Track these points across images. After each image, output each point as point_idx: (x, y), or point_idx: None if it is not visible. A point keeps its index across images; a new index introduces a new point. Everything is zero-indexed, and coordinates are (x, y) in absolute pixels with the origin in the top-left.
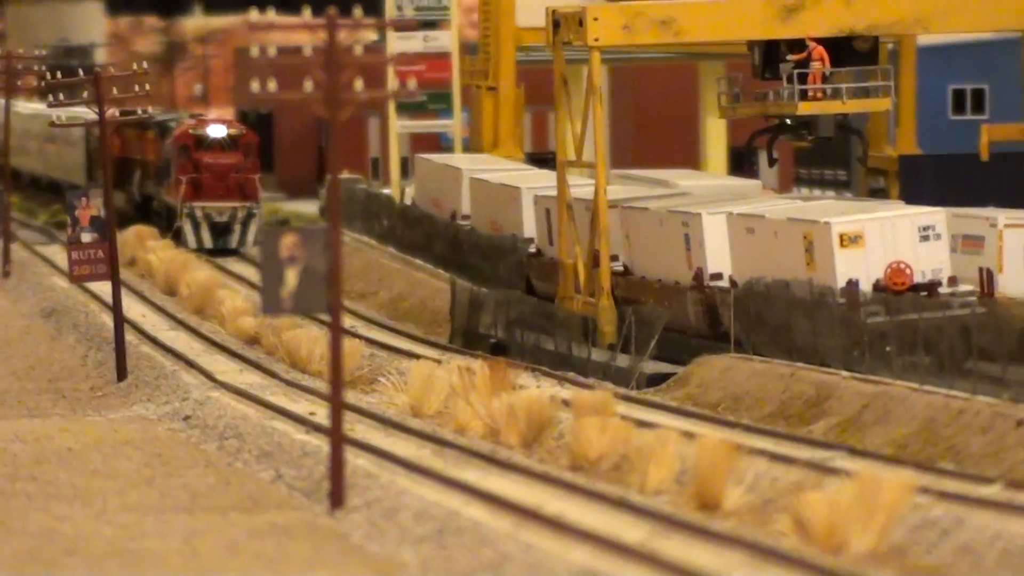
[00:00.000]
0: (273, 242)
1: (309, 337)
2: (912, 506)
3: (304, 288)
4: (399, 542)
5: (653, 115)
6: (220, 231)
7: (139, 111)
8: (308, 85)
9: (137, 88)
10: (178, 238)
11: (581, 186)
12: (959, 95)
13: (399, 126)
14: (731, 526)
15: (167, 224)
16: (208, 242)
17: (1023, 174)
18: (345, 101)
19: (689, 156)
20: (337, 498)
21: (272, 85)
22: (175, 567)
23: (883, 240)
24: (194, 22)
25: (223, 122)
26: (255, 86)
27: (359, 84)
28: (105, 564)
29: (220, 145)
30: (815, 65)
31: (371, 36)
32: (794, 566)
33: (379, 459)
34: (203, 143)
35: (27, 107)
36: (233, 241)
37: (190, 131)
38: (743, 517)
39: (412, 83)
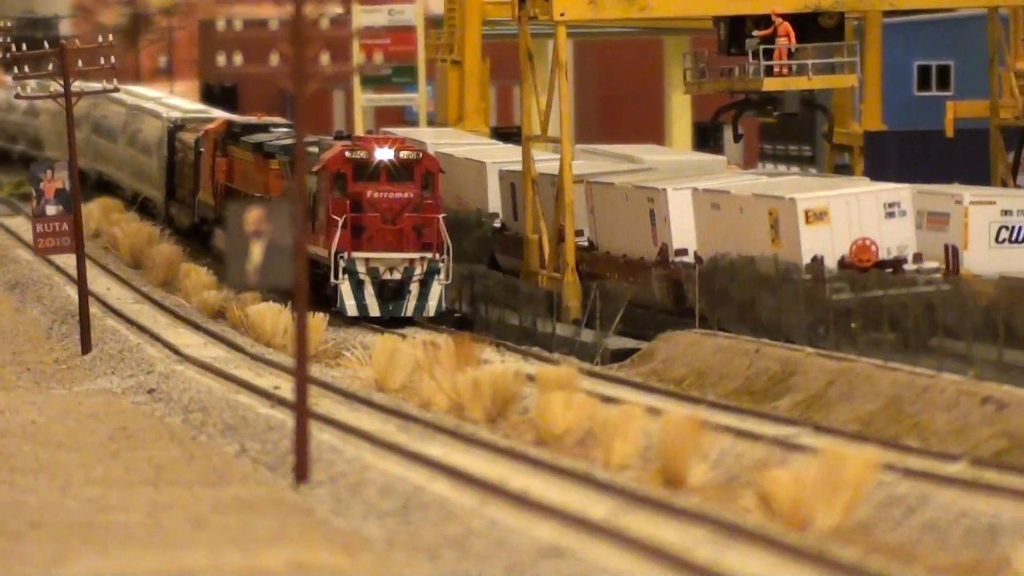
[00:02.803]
0: (238, 216)
1: (274, 311)
2: (877, 483)
3: (270, 262)
4: (364, 517)
5: (618, 90)
6: (391, 293)
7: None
8: (274, 58)
9: (103, 60)
10: (329, 303)
11: (546, 161)
12: (924, 72)
13: (364, 99)
14: (696, 502)
15: (314, 290)
16: (374, 308)
17: (988, 151)
18: (311, 75)
19: (654, 131)
20: (302, 472)
21: (238, 58)
22: (140, 540)
23: (848, 216)
24: None
25: (392, 142)
26: (221, 59)
27: (325, 58)
28: (69, 537)
29: (388, 173)
30: (781, 41)
31: (336, 9)
32: (759, 543)
33: (344, 433)
34: (365, 171)
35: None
36: (409, 307)
37: (346, 155)
38: (708, 493)
39: (378, 57)
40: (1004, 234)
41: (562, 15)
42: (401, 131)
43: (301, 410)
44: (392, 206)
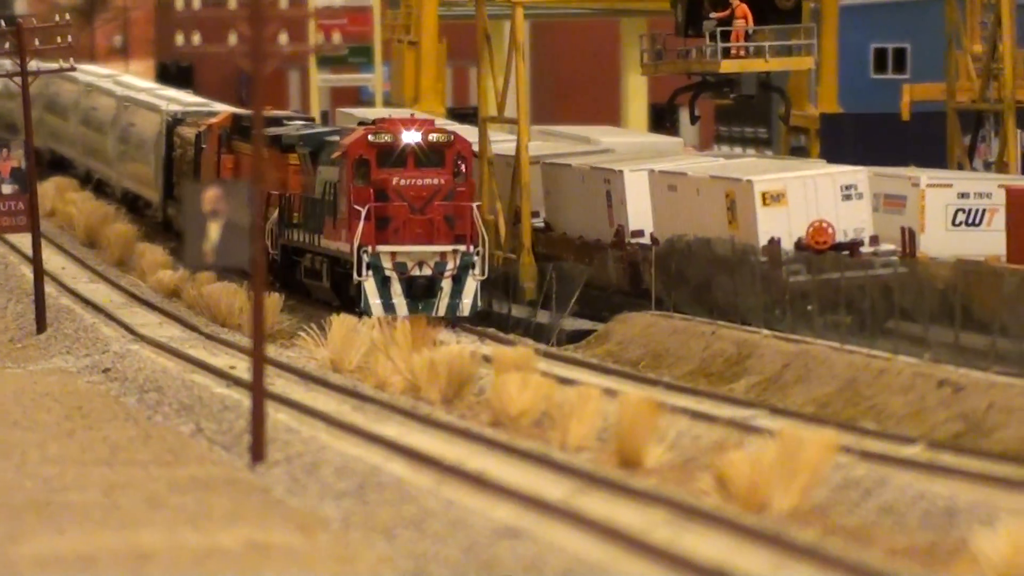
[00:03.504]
0: (195, 195)
1: (229, 291)
2: (834, 466)
3: (227, 242)
4: (320, 497)
5: (575, 72)
6: (420, 291)
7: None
8: (232, 38)
9: (59, 40)
10: (353, 304)
11: (503, 142)
12: (881, 54)
13: (320, 80)
14: (653, 484)
15: (336, 290)
16: (402, 308)
17: (944, 134)
18: (270, 54)
19: (610, 113)
20: (258, 452)
21: (197, 38)
22: (96, 520)
23: (805, 199)
24: None
25: (420, 123)
26: (180, 39)
27: (284, 37)
28: (25, 516)
29: (416, 158)
30: (738, 23)
31: None
32: (716, 524)
33: (300, 414)
34: (390, 156)
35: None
36: (441, 307)
37: (369, 139)
38: (665, 475)
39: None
40: (960, 217)
41: None
42: (358, 111)
43: (257, 390)
44: (421, 194)
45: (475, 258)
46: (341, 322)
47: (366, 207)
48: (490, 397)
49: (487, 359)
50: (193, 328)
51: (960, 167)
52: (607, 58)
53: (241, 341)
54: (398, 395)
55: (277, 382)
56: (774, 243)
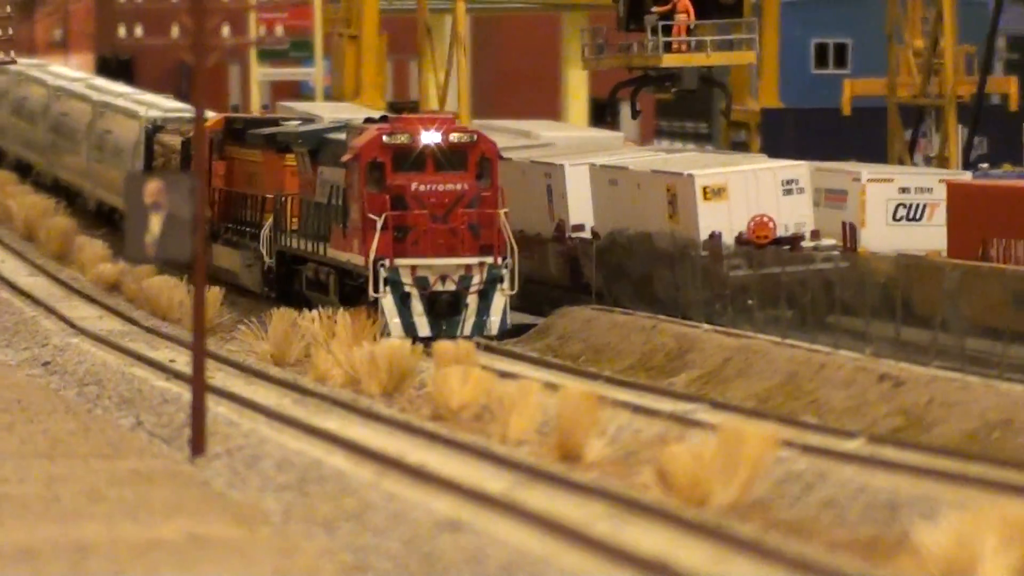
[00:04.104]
0: (137, 188)
1: (169, 284)
2: (775, 460)
3: (168, 235)
4: (261, 490)
5: (516, 66)
6: (444, 308)
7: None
8: (175, 30)
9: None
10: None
11: None
12: (822, 49)
13: (260, 74)
14: (594, 477)
15: (348, 300)
16: (423, 328)
17: (884, 129)
18: (212, 47)
19: (551, 107)
20: (198, 445)
21: (139, 30)
22: (36, 513)
23: (746, 193)
24: None
25: (439, 122)
26: (122, 31)
27: (225, 30)
28: None
29: (436, 160)
30: (680, 17)
31: None
32: (657, 518)
33: (240, 407)
34: (407, 159)
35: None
36: (466, 326)
37: (384, 139)
38: (605, 469)
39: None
40: (901, 212)
41: None
42: (298, 105)
43: (197, 383)
44: (442, 201)
45: (504, 271)
46: (281, 316)
47: (382, 216)
48: (431, 391)
49: (427, 353)
50: (133, 322)
51: (901, 162)
52: (548, 52)
53: (181, 335)
54: (339, 388)
55: (217, 375)
56: (715, 237)
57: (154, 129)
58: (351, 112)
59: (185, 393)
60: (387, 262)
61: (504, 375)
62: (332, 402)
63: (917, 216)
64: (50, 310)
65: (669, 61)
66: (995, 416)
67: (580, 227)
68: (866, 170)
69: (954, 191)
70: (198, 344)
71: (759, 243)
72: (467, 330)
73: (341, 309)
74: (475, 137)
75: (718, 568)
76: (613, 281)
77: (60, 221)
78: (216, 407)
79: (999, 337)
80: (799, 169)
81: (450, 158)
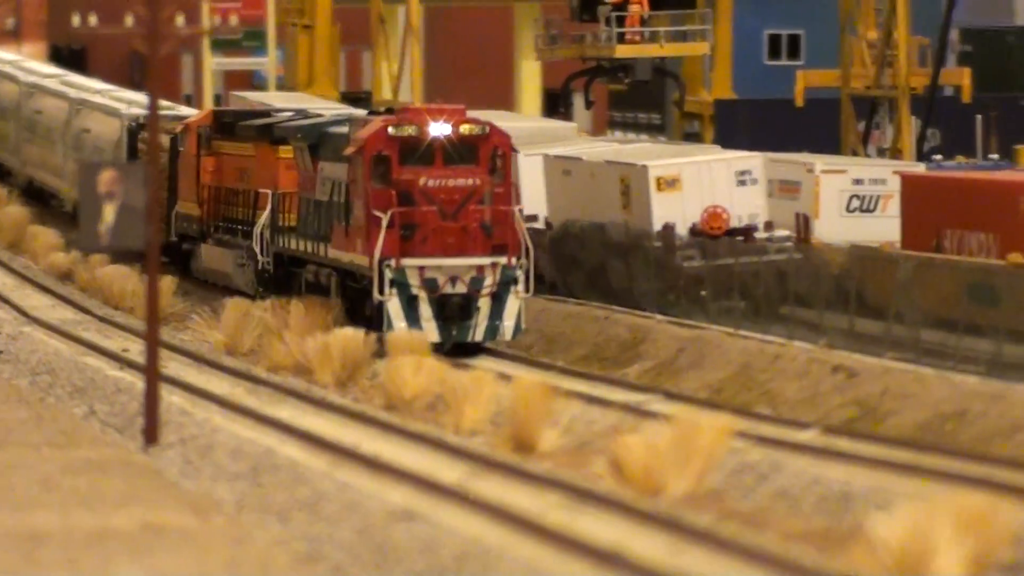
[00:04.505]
0: (91, 177)
1: (122, 274)
2: (729, 450)
3: (122, 223)
4: (214, 479)
5: (469, 57)
6: (454, 312)
7: None
8: (129, 20)
9: None
10: (370, 325)
11: None
12: (775, 40)
13: (214, 64)
14: (547, 468)
15: (351, 303)
16: (432, 333)
17: (838, 120)
18: (167, 36)
19: (504, 98)
20: (151, 435)
21: (92, 19)
22: None
23: (700, 184)
24: None
25: (449, 113)
26: (76, 20)
27: (180, 19)
28: None
29: (446, 154)
30: (633, 8)
31: None
32: (611, 508)
33: (193, 396)
34: (415, 152)
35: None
36: (478, 331)
37: (390, 131)
38: (559, 459)
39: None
40: (855, 203)
41: None
42: (251, 95)
43: (151, 373)
44: (452, 197)
45: (519, 272)
46: (235, 305)
47: (388, 213)
48: (384, 381)
49: (381, 343)
50: (86, 311)
51: (854, 153)
52: (501, 43)
53: (134, 324)
54: (292, 378)
55: (171, 365)
56: (668, 228)
57: (138, 127)
58: (304, 102)
59: (138, 382)
60: (393, 262)
61: (457, 365)
62: (285, 391)
63: (871, 207)
64: (2, 299)
65: (622, 52)
66: (948, 407)
67: (533, 217)
68: (820, 161)
69: (908, 183)
70: (151, 333)
71: (713, 234)
72: (478, 336)
73: (338, 310)
74: (487, 129)
75: (673, 559)
76: (566, 272)
77: (13, 210)
78: (169, 396)
79: (953, 329)
80: (753, 160)
81: (461, 151)
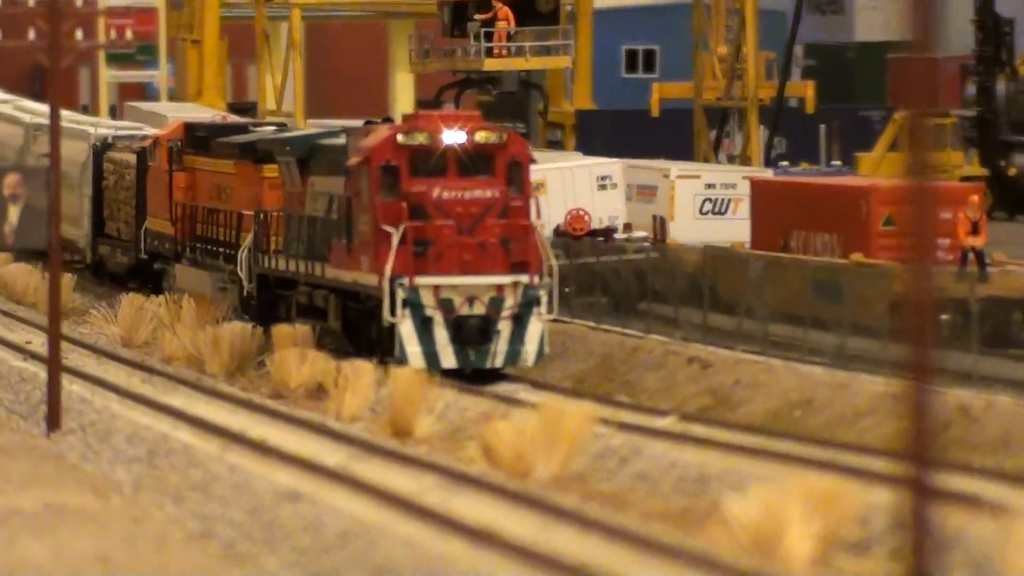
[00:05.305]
0: None
1: (25, 271)
2: (593, 436)
3: (26, 224)
4: (113, 462)
5: (347, 70)
6: (472, 335)
7: None
8: (31, 33)
9: None
10: (374, 350)
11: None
12: (632, 55)
13: (109, 76)
14: (424, 452)
15: (350, 334)
16: (448, 358)
17: (691, 129)
18: (67, 49)
19: (380, 108)
20: (54, 421)
21: None
22: None
23: (563, 188)
24: None
25: (464, 120)
26: None
27: (78, 34)
28: None
29: (460, 164)
30: (500, 24)
31: None
32: (483, 490)
33: (93, 385)
34: (426, 162)
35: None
36: (498, 356)
37: (399, 140)
38: (434, 444)
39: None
40: (708, 206)
41: None
42: (144, 105)
43: (53, 363)
44: (469, 210)
45: (541, 292)
46: (130, 301)
47: (400, 227)
48: (270, 371)
49: (268, 335)
50: None
51: (706, 160)
52: (377, 57)
53: (37, 318)
54: (184, 368)
55: (71, 356)
56: None
57: (103, 147)
58: (194, 112)
59: (41, 372)
60: (406, 281)
61: (339, 357)
62: (178, 381)
63: (722, 210)
64: None
65: (490, 65)
66: (796, 396)
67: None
68: (675, 167)
69: (756, 187)
70: (53, 327)
71: (575, 235)
72: (499, 361)
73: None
74: (504, 137)
75: (542, 536)
76: None
77: None
78: (70, 385)
79: (800, 323)
80: (612, 166)
81: (476, 161)
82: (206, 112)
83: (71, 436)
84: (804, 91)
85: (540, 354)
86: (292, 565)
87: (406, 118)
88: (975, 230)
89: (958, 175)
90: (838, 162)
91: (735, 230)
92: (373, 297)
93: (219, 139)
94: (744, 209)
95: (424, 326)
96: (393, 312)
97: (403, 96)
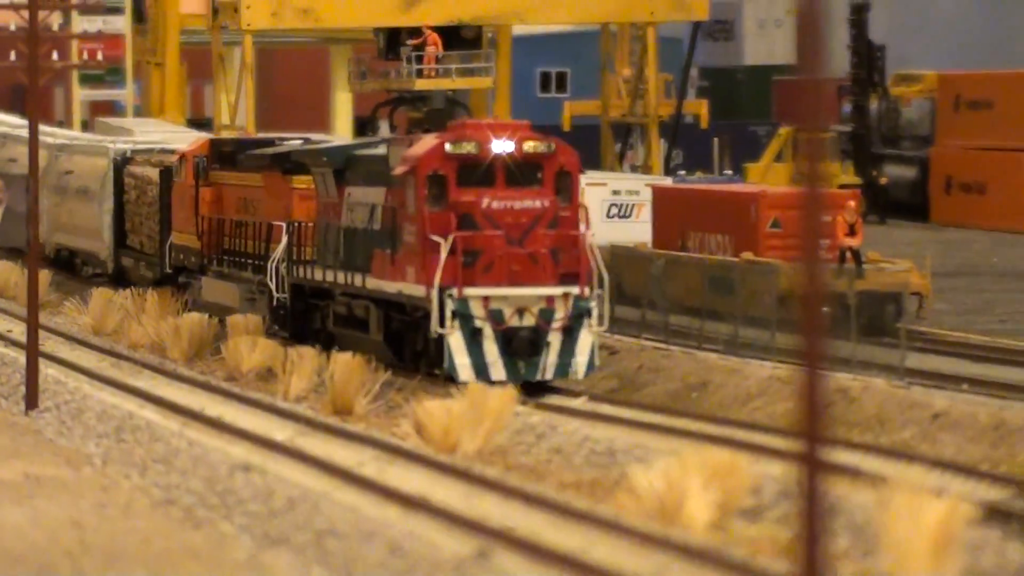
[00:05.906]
0: None
1: (5, 267)
2: (513, 414)
3: (6, 225)
4: (84, 437)
5: (293, 89)
6: (522, 347)
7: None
8: (12, 55)
9: None
10: (418, 362)
11: None
12: (546, 77)
13: (81, 94)
14: (362, 428)
15: (392, 344)
16: (498, 370)
17: (599, 142)
18: (45, 69)
19: (321, 123)
20: (31, 401)
21: None
22: None
23: None
24: None
25: (512, 129)
26: None
27: (54, 55)
28: None
29: (509, 173)
30: (429, 49)
31: (59, 19)
32: (416, 462)
33: (67, 369)
34: (474, 171)
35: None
36: (548, 368)
37: (446, 148)
38: (371, 421)
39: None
40: (614, 210)
41: (248, 25)
42: (113, 121)
43: (31, 349)
44: (519, 220)
45: (592, 304)
46: (100, 294)
47: (448, 237)
48: (225, 356)
49: (223, 324)
50: None
51: (612, 170)
52: (319, 78)
53: (17, 309)
54: (148, 354)
55: (47, 343)
56: None
57: (123, 161)
58: (156, 126)
59: (20, 357)
60: (455, 292)
61: (286, 343)
62: (143, 365)
63: (627, 214)
64: None
65: (421, 85)
66: (694, 379)
67: None
68: (584, 176)
69: (658, 193)
70: (32, 316)
71: None
72: (548, 374)
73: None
74: (553, 147)
75: (468, 502)
76: None
77: None
78: (47, 369)
79: (697, 314)
80: None
81: (524, 171)
82: (168, 127)
83: (47, 414)
84: (699, 109)
85: (591, 367)
86: (245, 528)
87: (453, 127)
88: (852, 232)
89: (836, 183)
90: (729, 171)
91: (639, 232)
92: (419, 308)
93: (248, 152)
94: (646, 213)
95: (473, 338)
96: (442, 323)
97: (342, 112)
